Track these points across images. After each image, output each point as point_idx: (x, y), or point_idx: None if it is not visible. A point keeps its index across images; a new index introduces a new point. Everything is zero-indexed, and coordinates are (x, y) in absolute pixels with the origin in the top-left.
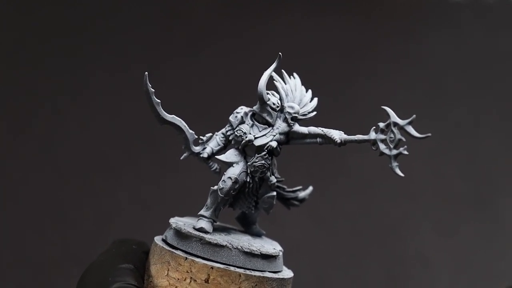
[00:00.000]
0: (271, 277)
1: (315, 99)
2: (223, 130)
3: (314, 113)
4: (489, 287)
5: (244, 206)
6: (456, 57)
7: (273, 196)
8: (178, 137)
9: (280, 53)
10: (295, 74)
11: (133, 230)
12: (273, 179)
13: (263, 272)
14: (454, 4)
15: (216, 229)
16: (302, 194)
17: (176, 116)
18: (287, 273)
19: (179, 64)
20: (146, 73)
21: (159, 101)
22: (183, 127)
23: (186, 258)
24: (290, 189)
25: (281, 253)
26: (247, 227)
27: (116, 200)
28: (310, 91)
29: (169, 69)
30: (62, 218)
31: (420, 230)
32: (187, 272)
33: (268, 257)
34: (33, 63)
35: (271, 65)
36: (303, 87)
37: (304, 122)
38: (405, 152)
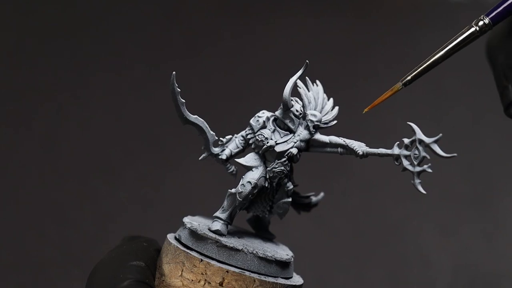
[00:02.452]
0: (284, 284)
1: (336, 108)
2: (243, 133)
3: (335, 121)
4: (489, 287)
5: (259, 210)
6: (456, 57)
7: (289, 202)
8: (199, 138)
9: (307, 61)
10: (317, 82)
11: (133, 230)
12: (290, 185)
13: (276, 278)
14: (454, 4)
15: (228, 232)
16: (313, 200)
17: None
18: (297, 280)
19: (180, 64)
20: (174, 72)
21: (184, 101)
22: (204, 128)
23: (202, 260)
24: (304, 195)
25: (292, 259)
26: (258, 230)
27: (116, 200)
28: (331, 99)
29: (169, 69)
30: (62, 218)
31: (421, 230)
32: (202, 274)
33: (281, 264)
34: (33, 63)
35: (296, 71)
36: (325, 95)
37: (324, 131)
38: (429, 170)
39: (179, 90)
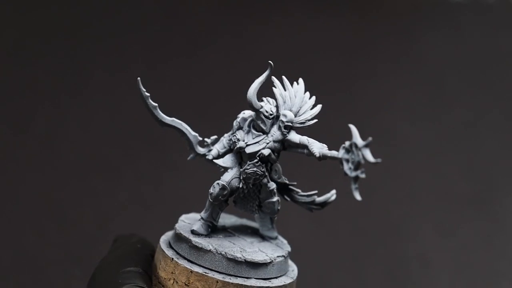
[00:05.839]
0: (254, 285)
1: (318, 107)
2: (230, 133)
3: (314, 121)
4: (489, 287)
5: (247, 208)
6: (456, 57)
7: (274, 202)
8: (181, 139)
9: (271, 62)
10: (300, 80)
11: (133, 230)
12: (272, 185)
13: (246, 279)
14: (454, 4)
15: (220, 230)
16: (321, 198)
17: (176, 117)
18: (278, 282)
19: (179, 64)
20: (139, 78)
21: (155, 104)
22: (184, 130)
23: (172, 259)
24: (305, 194)
25: (278, 259)
26: (262, 227)
27: (116, 200)
28: (313, 98)
29: (168, 69)
30: (62, 218)
31: (421, 230)
32: (172, 273)
33: (254, 265)
34: (33, 63)
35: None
36: (307, 93)
37: (303, 130)
38: (362, 175)
39: (148, 94)
